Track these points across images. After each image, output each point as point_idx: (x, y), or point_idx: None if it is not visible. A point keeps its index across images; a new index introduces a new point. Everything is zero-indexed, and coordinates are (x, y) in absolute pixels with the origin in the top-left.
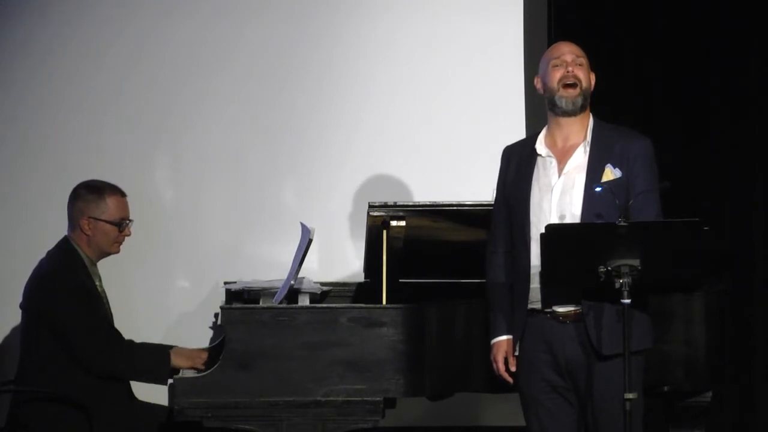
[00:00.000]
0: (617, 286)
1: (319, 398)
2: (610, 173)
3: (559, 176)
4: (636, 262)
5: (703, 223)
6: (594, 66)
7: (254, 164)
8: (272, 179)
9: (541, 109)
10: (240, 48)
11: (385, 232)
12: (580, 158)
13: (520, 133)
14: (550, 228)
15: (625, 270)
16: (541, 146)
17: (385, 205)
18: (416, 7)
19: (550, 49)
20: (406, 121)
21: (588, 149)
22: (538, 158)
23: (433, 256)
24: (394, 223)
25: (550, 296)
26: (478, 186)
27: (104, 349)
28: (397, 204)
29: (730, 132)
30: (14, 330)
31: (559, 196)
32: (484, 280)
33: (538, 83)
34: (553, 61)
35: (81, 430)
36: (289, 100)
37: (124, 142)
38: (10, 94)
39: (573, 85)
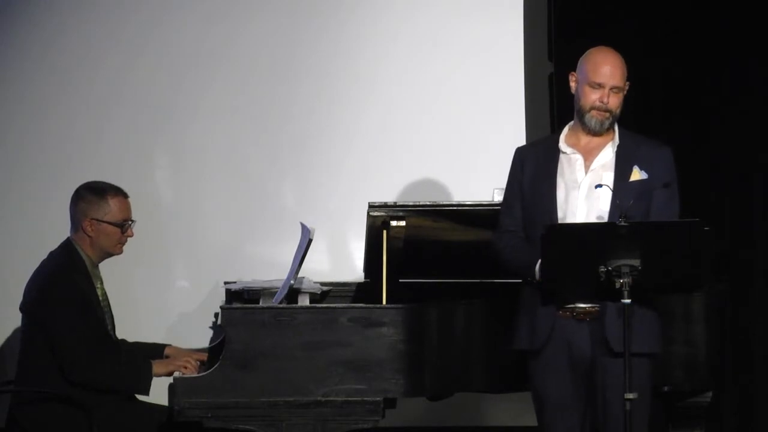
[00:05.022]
0: (617, 286)
1: (319, 398)
2: (637, 174)
3: (586, 173)
4: (636, 262)
5: (703, 223)
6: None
7: (254, 164)
8: (272, 179)
9: (541, 109)
10: (240, 47)
11: (385, 232)
12: (608, 156)
13: (520, 133)
14: (550, 228)
15: (625, 270)
16: (563, 144)
17: (385, 205)
18: (416, 7)
19: (593, 60)
20: (406, 121)
21: (616, 148)
22: (561, 155)
23: (433, 256)
24: (394, 223)
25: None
26: (478, 186)
27: (85, 363)
28: (397, 204)
29: (731, 132)
30: (15, 331)
31: (587, 192)
32: (483, 280)
33: (572, 80)
34: (591, 82)
35: (81, 430)
36: (289, 100)
37: (124, 142)
38: (10, 94)
39: (604, 111)
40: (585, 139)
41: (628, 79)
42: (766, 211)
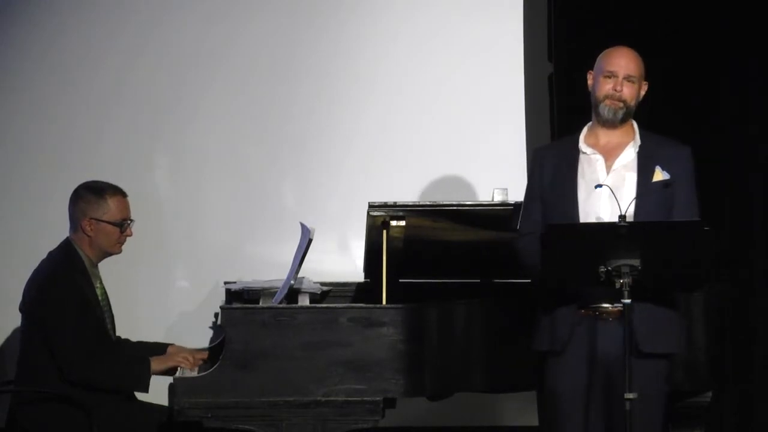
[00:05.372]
0: (617, 286)
1: (319, 398)
2: (660, 174)
3: (608, 173)
4: (636, 262)
5: (703, 223)
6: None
7: (254, 164)
8: (272, 179)
9: (540, 109)
10: (239, 47)
11: (385, 232)
12: (629, 156)
13: (520, 133)
14: (550, 228)
15: (625, 270)
16: (583, 144)
17: (385, 205)
18: (416, 7)
19: (609, 53)
20: (406, 121)
21: (637, 149)
22: (581, 155)
23: (433, 256)
24: (394, 223)
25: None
26: (478, 186)
27: (84, 362)
28: (397, 204)
29: (730, 132)
30: (15, 331)
31: (609, 193)
32: (484, 280)
33: (590, 78)
34: (606, 72)
35: (81, 430)
36: (289, 100)
37: (124, 142)
38: (10, 95)
39: (618, 100)
40: (604, 139)
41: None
42: (766, 211)
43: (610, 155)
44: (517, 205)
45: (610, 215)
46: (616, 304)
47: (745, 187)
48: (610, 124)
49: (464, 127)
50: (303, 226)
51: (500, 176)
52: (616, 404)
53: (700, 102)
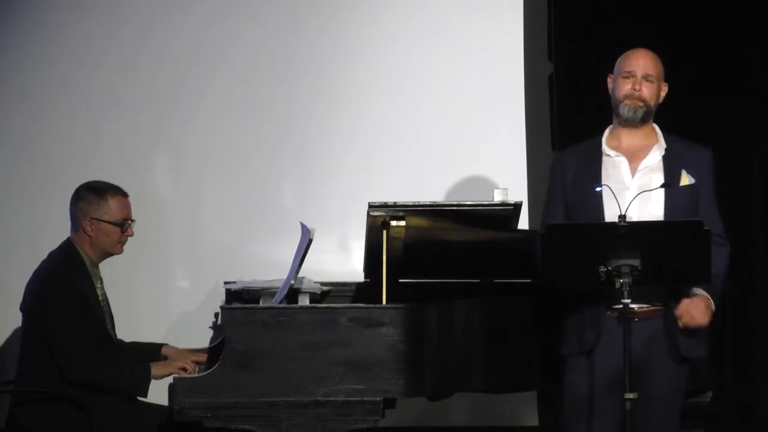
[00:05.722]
0: (617, 286)
1: (319, 398)
2: (686, 178)
3: (632, 175)
4: (636, 262)
5: (703, 223)
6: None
7: (254, 164)
8: (272, 179)
9: (541, 109)
10: (239, 47)
11: (385, 232)
12: (655, 158)
13: (520, 133)
14: (550, 228)
15: (625, 270)
16: (606, 147)
17: (385, 205)
18: (416, 6)
19: (627, 54)
20: (406, 120)
21: (663, 152)
22: (605, 158)
23: (433, 256)
24: (394, 223)
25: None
26: (478, 186)
27: (84, 363)
28: (397, 204)
29: (731, 132)
30: (15, 331)
31: (636, 194)
32: (484, 280)
33: (609, 82)
34: (624, 72)
35: (81, 431)
36: (289, 100)
37: (124, 142)
38: (10, 94)
39: (637, 99)
40: (627, 141)
41: None
42: (766, 211)
43: (634, 157)
44: (517, 204)
45: (638, 217)
46: (642, 305)
47: (745, 187)
48: (631, 124)
49: (464, 127)
50: (303, 226)
51: (500, 176)
52: (642, 404)
53: (700, 102)
